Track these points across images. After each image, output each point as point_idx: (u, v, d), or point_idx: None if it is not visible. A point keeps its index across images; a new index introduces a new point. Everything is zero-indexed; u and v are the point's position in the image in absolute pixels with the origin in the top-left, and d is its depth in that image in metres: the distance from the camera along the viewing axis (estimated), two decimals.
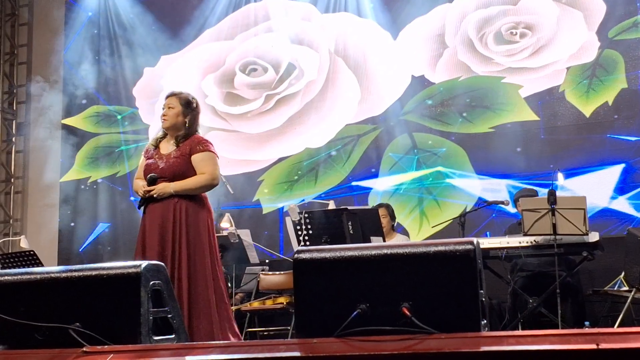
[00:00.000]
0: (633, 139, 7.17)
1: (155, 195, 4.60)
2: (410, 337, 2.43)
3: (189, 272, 4.50)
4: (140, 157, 4.96)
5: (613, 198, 7.10)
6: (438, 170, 7.75)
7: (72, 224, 9.01)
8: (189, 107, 4.79)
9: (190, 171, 4.66)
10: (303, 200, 8.07)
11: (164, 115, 4.78)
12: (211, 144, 4.76)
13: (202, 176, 4.64)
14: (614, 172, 7.14)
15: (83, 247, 8.89)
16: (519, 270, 6.17)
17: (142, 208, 4.72)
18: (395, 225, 6.90)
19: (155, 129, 8.15)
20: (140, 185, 4.72)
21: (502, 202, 6.55)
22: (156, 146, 4.80)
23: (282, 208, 8.13)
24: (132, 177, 7.15)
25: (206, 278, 4.56)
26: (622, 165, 7.11)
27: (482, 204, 6.91)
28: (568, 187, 7.05)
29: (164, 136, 4.84)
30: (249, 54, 8.76)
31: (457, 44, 7.96)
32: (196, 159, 4.66)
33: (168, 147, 4.76)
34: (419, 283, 2.58)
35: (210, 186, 4.70)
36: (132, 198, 8.78)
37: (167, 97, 4.83)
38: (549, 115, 7.51)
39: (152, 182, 4.64)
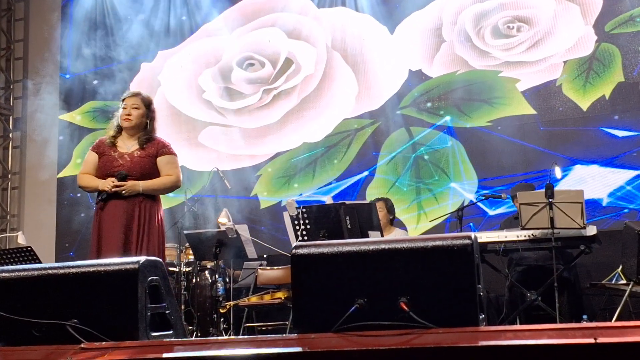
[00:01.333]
0: (630, 132, 7.17)
1: (123, 192, 4.70)
2: (408, 331, 2.43)
3: None
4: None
5: (610, 192, 7.11)
6: (436, 164, 7.76)
7: (69, 220, 9.00)
8: (150, 108, 4.96)
9: (155, 172, 4.84)
10: (301, 195, 8.07)
11: (128, 115, 4.87)
12: (171, 146, 4.95)
13: (169, 178, 4.85)
14: (611, 167, 7.14)
15: (79, 242, 8.87)
16: (516, 264, 6.16)
17: (100, 203, 4.77)
18: (393, 219, 6.90)
19: None
20: (101, 181, 4.78)
21: (500, 196, 6.55)
22: (113, 143, 4.87)
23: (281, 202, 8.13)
24: None
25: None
26: (616, 158, 7.12)
27: (479, 197, 6.91)
28: (565, 180, 7.06)
29: (119, 134, 4.91)
30: (246, 48, 8.75)
31: (454, 38, 7.95)
32: (162, 161, 4.85)
33: (128, 146, 4.87)
34: (417, 278, 2.58)
35: (175, 188, 4.95)
36: (79, 195, 8.80)
37: (130, 97, 4.93)
38: (545, 109, 7.51)
39: (121, 179, 4.74)
